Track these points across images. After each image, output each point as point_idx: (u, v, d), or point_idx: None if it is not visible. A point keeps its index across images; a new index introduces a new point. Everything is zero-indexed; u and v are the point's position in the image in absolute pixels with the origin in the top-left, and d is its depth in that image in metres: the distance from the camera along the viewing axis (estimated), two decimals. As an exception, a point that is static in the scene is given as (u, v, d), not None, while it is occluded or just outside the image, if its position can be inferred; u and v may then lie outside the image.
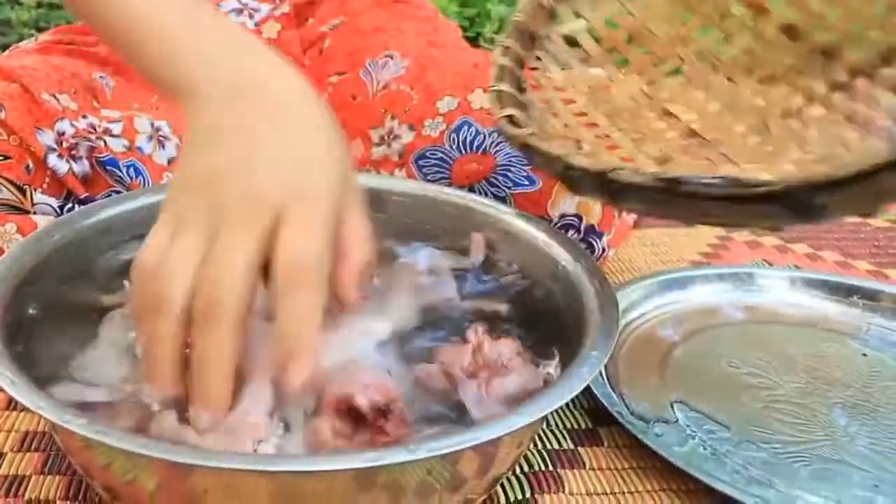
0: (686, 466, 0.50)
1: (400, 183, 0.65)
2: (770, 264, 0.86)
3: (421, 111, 0.73)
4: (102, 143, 0.65)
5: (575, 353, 0.47)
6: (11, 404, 0.55)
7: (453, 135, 0.71)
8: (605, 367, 0.54)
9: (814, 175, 0.38)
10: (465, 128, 0.71)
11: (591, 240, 0.72)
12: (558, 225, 0.69)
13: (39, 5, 1.92)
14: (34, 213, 0.64)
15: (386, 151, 0.74)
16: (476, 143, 0.70)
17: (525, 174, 0.69)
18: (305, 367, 0.40)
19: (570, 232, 0.70)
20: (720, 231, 0.94)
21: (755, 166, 0.50)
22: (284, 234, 0.41)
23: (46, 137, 0.63)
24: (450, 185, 0.70)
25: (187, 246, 0.41)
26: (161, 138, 0.68)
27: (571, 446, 0.55)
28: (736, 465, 0.52)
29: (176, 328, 0.40)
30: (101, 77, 0.73)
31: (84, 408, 0.43)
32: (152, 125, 0.68)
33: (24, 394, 0.39)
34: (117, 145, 0.66)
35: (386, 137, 0.74)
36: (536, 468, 0.53)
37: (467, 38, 0.88)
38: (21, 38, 0.85)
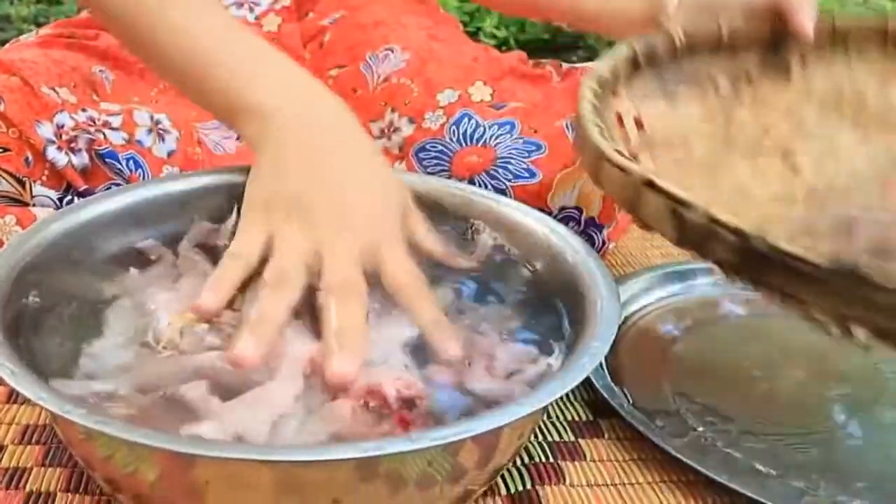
0: (687, 458, 0.50)
1: (402, 176, 0.65)
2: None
3: (421, 104, 0.73)
4: (102, 136, 0.65)
5: (576, 344, 0.47)
6: (12, 397, 0.55)
7: (453, 127, 0.71)
8: (606, 358, 0.53)
9: None
10: (465, 120, 0.71)
11: (591, 232, 0.72)
12: (558, 217, 0.69)
13: (39, 1, 1.91)
14: (33, 205, 0.64)
15: (386, 144, 0.73)
16: (476, 136, 0.70)
17: (525, 166, 0.69)
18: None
19: (571, 224, 0.70)
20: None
21: None
22: (386, 255, 0.49)
23: (46, 130, 0.63)
24: (450, 177, 0.70)
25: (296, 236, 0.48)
26: (161, 131, 0.68)
27: (572, 438, 0.55)
28: (737, 457, 0.52)
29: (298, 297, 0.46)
30: (100, 71, 0.73)
31: (99, 398, 0.43)
32: (152, 118, 0.68)
33: (25, 385, 0.39)
34: (117, 138, 0.66)
35: (386, 130, 0.74)
36: (537, 459, 0.53)
37: (467, 33, 0.88)
38: (20, 34, 0.85)
